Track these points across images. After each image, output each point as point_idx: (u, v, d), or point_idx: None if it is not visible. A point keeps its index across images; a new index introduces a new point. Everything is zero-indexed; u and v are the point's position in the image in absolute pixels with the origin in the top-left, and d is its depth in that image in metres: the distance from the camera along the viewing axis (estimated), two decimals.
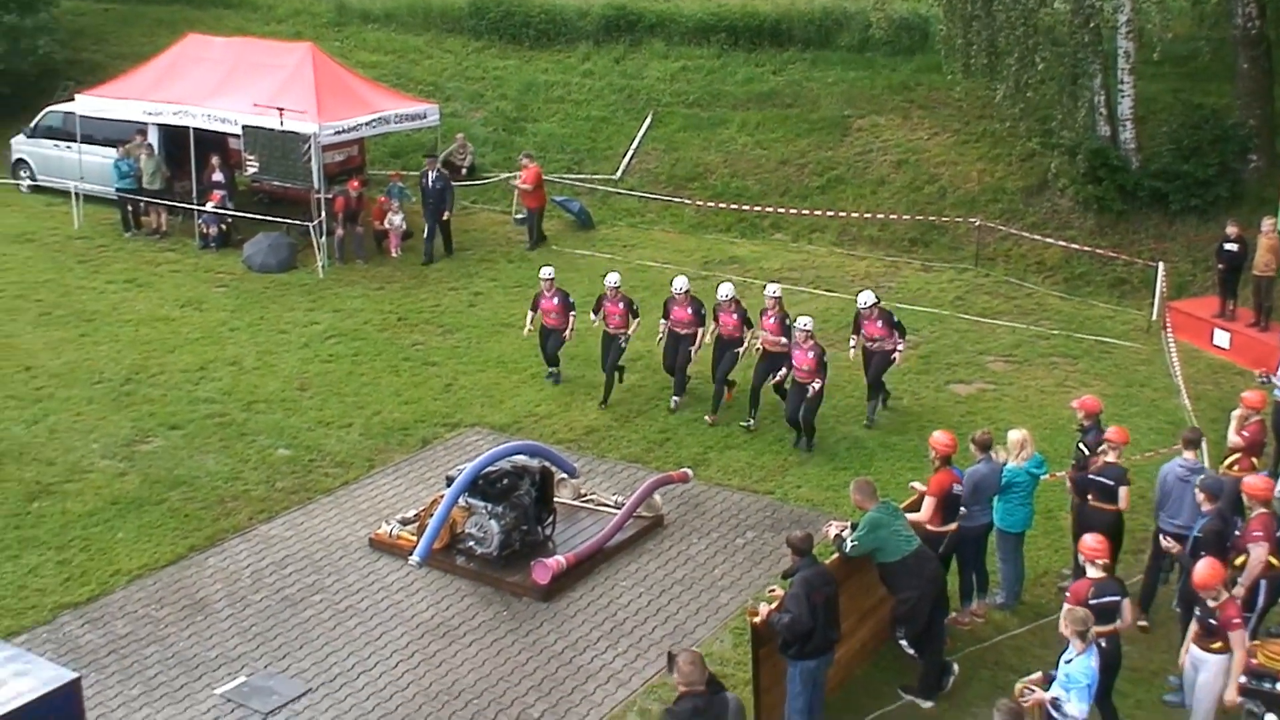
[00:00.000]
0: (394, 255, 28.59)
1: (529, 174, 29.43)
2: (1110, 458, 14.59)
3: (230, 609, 15.14)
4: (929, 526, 14.05)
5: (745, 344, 20.11)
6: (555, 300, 21.04)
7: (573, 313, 21.06)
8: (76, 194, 30.82)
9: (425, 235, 28.63)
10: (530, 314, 21.39)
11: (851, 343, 20.30)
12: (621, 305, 20.73)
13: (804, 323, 18.91)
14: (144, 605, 15.20)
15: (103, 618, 14.94)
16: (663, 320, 20.72)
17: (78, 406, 20.61)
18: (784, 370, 19.43)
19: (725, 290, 20.11)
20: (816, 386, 18.86)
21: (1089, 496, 14.64)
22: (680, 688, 10.18)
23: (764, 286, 20.83)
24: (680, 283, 20.44)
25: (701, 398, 20.63)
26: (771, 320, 19.61)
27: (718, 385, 20.29)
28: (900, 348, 19.91)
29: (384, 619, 14.97)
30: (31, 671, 12.02)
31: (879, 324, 19.73)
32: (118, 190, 30.10)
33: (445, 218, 28.56)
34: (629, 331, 20.83)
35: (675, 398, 20.70)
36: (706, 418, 20.17)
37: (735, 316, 20.04)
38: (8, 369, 22.08)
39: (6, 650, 12.45)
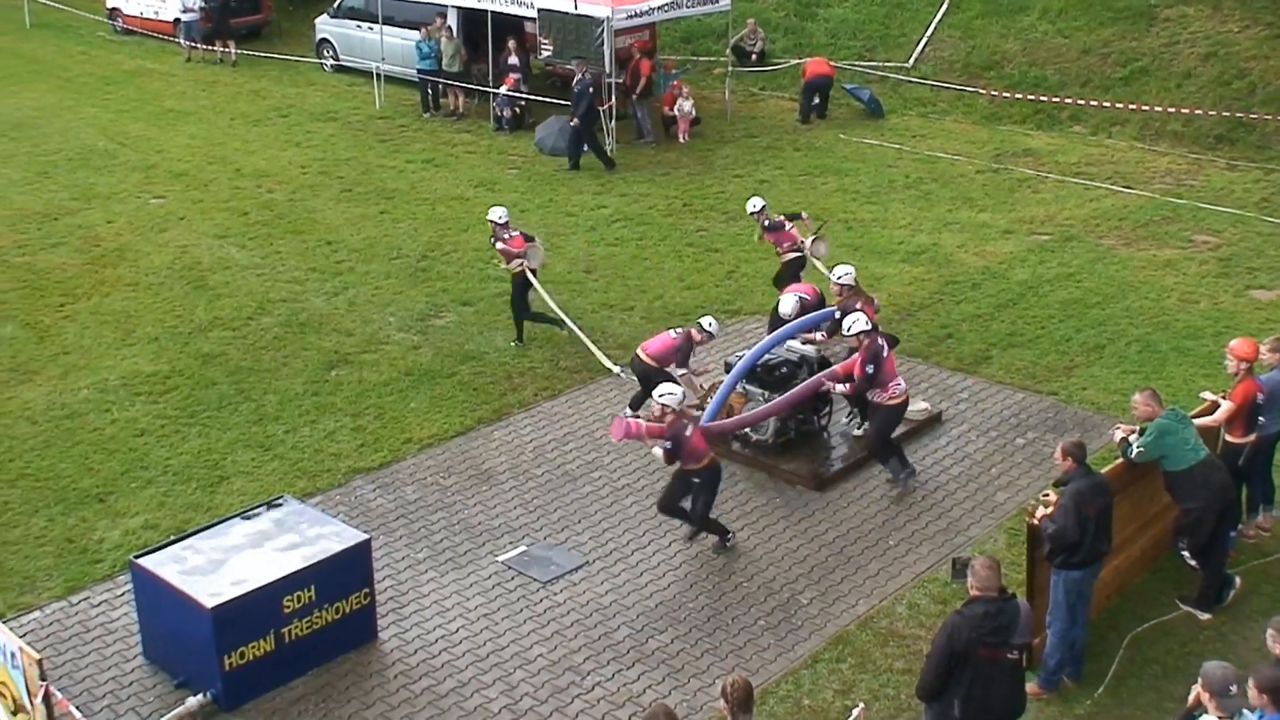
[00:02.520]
0: (681, 141, 28.71)
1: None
2: None
3: (514, 481, 15.65)
4: (1229, 437, 13.60)
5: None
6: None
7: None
8: (377, 74, 31.78)
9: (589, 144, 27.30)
10: None
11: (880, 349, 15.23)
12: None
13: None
14: (433, 473, 15.83)
15: (393, 483, 15.61)
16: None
17: (376, 281, 21.42)
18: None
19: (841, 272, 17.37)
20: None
21: None
22: (973, 591, 10.05)
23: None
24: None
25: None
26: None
27: None
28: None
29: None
30: (326, 531, 12.76)
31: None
32: (419, 71, 30.92)
33: (573, 123, 27.00)
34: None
35: None
36: None
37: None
38: (311, 243, 23.06)
39: (299, 507, 13.24)
